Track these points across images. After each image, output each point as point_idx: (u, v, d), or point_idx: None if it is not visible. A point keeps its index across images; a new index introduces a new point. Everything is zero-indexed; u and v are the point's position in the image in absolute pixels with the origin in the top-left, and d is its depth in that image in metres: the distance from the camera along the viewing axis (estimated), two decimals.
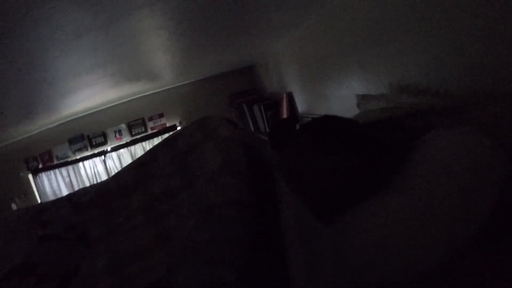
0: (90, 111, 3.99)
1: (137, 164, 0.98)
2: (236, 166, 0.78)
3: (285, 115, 3.02)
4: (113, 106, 4.06)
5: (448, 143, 0.80)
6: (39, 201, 4.15)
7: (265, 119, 3.22)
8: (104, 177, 4.26)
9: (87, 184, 4.21)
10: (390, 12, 1.39)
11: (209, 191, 0.73)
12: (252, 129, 3.68)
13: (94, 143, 4.15)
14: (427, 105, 1.04)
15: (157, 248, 0.71)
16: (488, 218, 0.68)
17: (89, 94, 3.00)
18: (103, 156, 4.23)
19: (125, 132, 4.19)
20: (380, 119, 1.10)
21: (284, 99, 2.99)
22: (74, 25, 1.32)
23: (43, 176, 4.14)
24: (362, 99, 1.51)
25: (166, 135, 4.23)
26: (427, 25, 1.19)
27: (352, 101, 1.60)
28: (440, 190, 0.72)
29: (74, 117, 3.95)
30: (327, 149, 0.83)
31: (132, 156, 4.27)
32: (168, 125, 4.27)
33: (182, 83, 4.16)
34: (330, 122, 0.94)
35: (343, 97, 1.97)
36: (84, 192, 1.03)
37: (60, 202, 0.99)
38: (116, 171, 4.10)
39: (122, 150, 4.24)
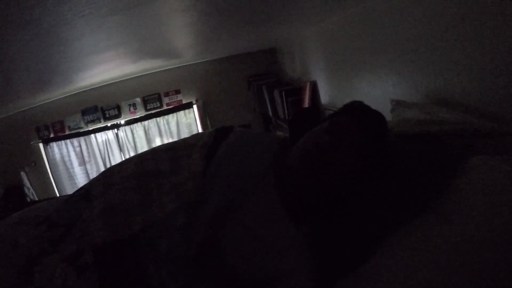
0: (105, 83, 3.92)
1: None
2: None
3: (307, 104, 2.92)
4: (129, 79, 4.00)
5: (497, 174, 0.74)
6: (49, 170, 4.13)
7: (285, 105, 3.13)
8: (115, 150, 4.25)
9: (98, 156, 4.21)
10: (435, 17, 1.28)
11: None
12: (270, 113, 3.61)
13: (107, 115, 4.12)
14: (469, 126, 0.99)
15: (139, 210, 0.87)
16: None
17: (107, 68, 2.96)
18: (116, 129, 4.17)
19: (140, 106, 4.14)
20: (417, 132, 1.06)
21: (307, 88, 2.89)
22: (105, 2, 1.25)
23: (54, 146, 4.11)
24: (397, 105, 1.46)
25: (182, 112, 4.18)
26: (476, 38, 1.09)
27: (383, 104, 1.53)
28: (493, 223, 0.66)
29: (89, 88, 3.88)
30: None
31: (145, 131, 4.21)
32: (184, 102, 4.20)
33: (201, 61, 4.08)
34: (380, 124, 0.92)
35: (373, 97, 1.88)
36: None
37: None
38: (128, 145, 4.13)
39: (135, 124, 4.19)
